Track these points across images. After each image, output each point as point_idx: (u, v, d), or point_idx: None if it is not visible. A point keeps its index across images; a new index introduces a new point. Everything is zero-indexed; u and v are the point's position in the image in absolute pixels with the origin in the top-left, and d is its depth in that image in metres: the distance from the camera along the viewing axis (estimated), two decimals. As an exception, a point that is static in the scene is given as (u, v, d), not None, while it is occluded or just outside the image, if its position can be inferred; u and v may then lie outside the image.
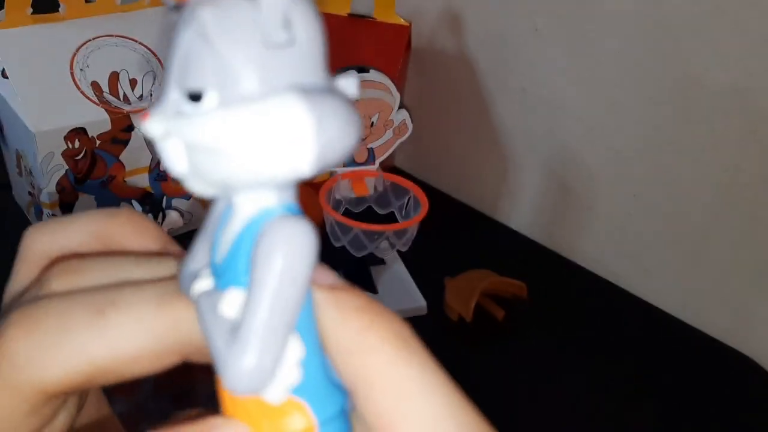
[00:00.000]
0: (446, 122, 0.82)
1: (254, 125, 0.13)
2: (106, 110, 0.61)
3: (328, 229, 0.60)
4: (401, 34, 0.74)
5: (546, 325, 0.65)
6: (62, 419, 0.18)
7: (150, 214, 0.68)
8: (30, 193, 0.65)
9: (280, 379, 0.15)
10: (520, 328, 0.64)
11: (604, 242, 0.72)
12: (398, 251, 0.63)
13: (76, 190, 0.63)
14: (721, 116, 0.60)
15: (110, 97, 0.61)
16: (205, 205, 0.70)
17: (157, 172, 0.66)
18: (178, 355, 0.17)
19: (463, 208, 0.82)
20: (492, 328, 0.64)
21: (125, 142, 0.63)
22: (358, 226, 0.58)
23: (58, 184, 0.61)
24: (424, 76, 0.82)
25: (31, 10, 0.60)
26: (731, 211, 0.62)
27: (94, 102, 0.60)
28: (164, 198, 0.68)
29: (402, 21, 0.74)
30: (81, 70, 0.61)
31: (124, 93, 0.62)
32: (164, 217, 0.69)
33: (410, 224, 0.59)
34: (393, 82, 0.66)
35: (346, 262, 0.63)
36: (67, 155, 0.60)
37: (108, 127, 0.61)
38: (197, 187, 0.15)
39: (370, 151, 0.68)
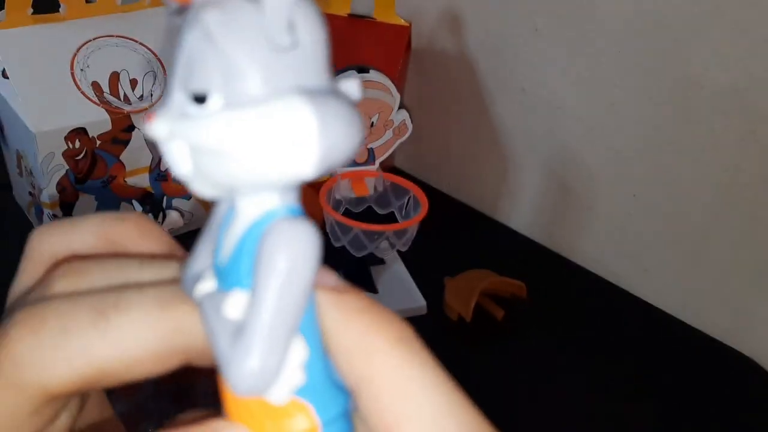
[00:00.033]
0: (446, 122, 0.82)
1: (259, 127, 0.13)
2: (106, 110, 0.61)
3: (328, 229, 0.60)
4: (401, 35, 0.74)
5: (546, 325, 0.65)
6: (64, 420, 0.18)
7: (150, 214, 0.68)
8: (30, 193, 0.65)
9: (283, 381, 0.15)
10: (519, 328, 0.64)
11: (604, 242, 0.72)
12: (398, 251, 0.63)
13: (76, 190, 0.63)
14: (721, 116, 0.60)
15: (111, 98, 0.61)
16: (207, 207, 0.70)
17: (158, 172, 0.66)
18: (181, 358, 0.17)
19: (463, 208, 0.82)
20: (492, 328, 0.64)
21: (126, 143, 0.63)
22: (358, 226, 0.58)
23: (58, 184, 0.61)
24: (424, 76, 0.82)
25: (32, 10, 0.60)
26: (731, 211, 0.62)
27: (94, 102, 0.61)
28: (164, 198, 0.68)
29: (402, 21, 0.74)
30: (81, 70, 0.61)
31: (125, 93, 0.62)
32: (164, 217, 0.69)
33: (410, 224, 0.59)
34: (393, 82, 0.66)
35: (346, 262, 0.63)
36: (68, 155, 0.60)
37: (108, 127, 0.61)
38: (201, 188, 0.15)
39: (370, 152, 0.68)
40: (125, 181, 0.65)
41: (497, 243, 0.77)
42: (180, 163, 0.14)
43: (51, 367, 0.16)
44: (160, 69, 0.64)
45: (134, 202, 0.66)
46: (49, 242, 0.19)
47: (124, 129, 0.62)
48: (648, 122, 0.65)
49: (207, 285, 0.15)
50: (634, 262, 0.70)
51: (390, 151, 0.69)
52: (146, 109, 0.62)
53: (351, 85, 0.15)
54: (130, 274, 0.18)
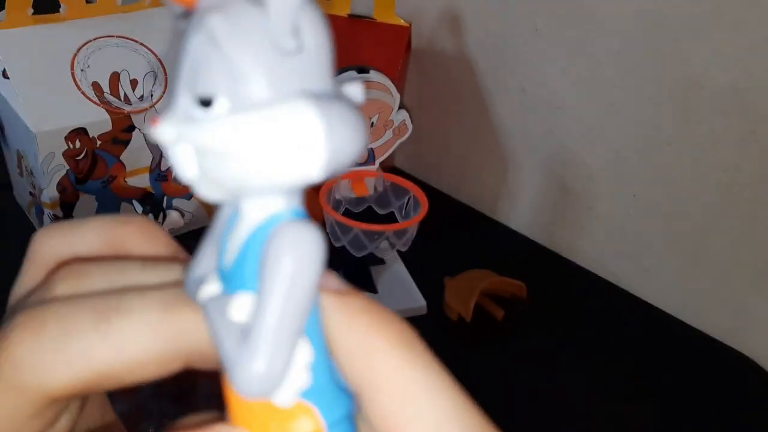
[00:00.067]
0: (446, 122, 0.82)
1: (265, 131, 0.13)
2: (106, 110, 0.61)
3: (328, 229, 0.60)
4: (401, 35, 0.74)
5: (546, 325, 0.65)
6: (64, 422, 0.18)
7: (150, 214, 0.68)
8: (31, 193, 0.65)
9: (289, 383, 0.15)
10: (519, 328, 0.64)
11: (603, 242, 0.72)
12: (398, 251, 0.63)
13: (77, 191, 0.63)
14: (721, 116, 0.60)
15: (111, 98, 0.61)
16: (208, 208, 0.70)
17: (158, 173, 0.66)
18: (182, 362, 0.17)
19: (463, 208, 0.82)
20: (492, 328, 0.64)
21: (126, 143, 0.63)
22: (358, 226, 0.58)
23: (59, 184, 0.61)
24: (424, 76, 0.82)
25: (32, 10, 0.60)
26: (731, 211, 0.62)
27: (94, 102, 0.61)
28: (165, 198, 0.68)
29: (402, 21, 0.74)
30: (82, 70, 0.61)
31: (125, 93, 0.62)
32: (165, 217, 0.69)
33: (410, 224, 0.59)
34: (393, 82, 0.66)
35: (346, 262, 0.63)
36: (68, 155, 0.60)
37: (109, 127, 0.61)
38: (206, 192, 0.15)
39: (370, 152, 0.68)
40: (125, 181, 0.65)
41: (497, 243, 0.77)
42: (186, 167, 0.15)
43: (51, 369, 0.16)
44: (161, 69, 0.64)
45: (134, 202, 0.66)
46: (51, 244, 0.19)
47: (124, 129, 0.62)
48: (648, 122, 0.65)
49: (211, 288, 0.16)
50: (634, 262, 0.70)
51: (390, 151, 0.69)
52: (146, 109, 0.62)
53: (354, 89, 0.15)
54: (132, 276, 0.18)
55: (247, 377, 0.14)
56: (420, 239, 0.60)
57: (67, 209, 0.63)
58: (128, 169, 0.64)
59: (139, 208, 0.67)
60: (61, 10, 0.62)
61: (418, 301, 0.64)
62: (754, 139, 0.59)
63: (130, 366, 0.16)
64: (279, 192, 0.15)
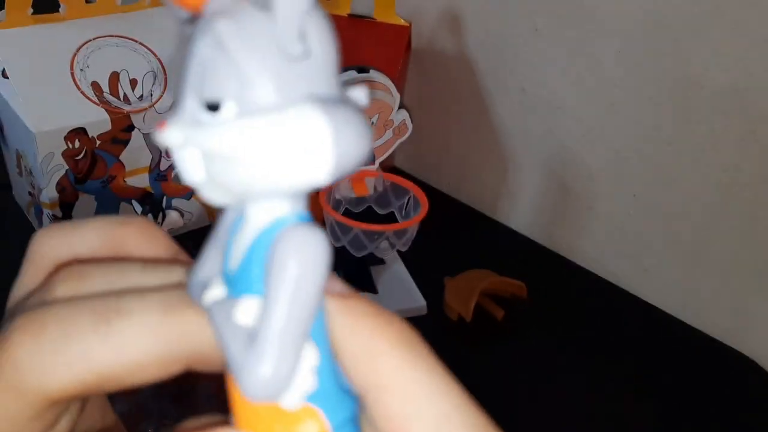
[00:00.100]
0: (446, 122, 0.82)
1: (274, 135, 0.14)
2: (106, 110, 0.61)
3: (328, 229, 0.60)
4: (401, 35, 0.74)
5: (546, 325, 0.65)
6: (65, 424, 0.18)
7: (150, 214, 0.68)
8: (30, 193, 0.65)
9: (296, 386, 0.15)
10: (519, 328, 0.64)
11: (603, 242, 0.72)
12: (398, 251, 0.63)
13: (76, 190, 0.63)
14: (721, 116, 0.60)
15: (110, 98, 0.61)
16: (208, 208, 0.70)
17: (158, 172, 0.66)
18: (183, 364, 0.17)
19: (463, 208, 0.82)
20: (492, 328, 0.64)
21: (125, 142, 0.63)
22: (358, 226, 0.58)
23: (58, 184, 0.61)
24: (424, 76, 0.82)
25: (32, 10, 0.60)
26: (731, 211, 0.62)
27: (94, 102, 0.61)
28: (164, 198, 0.68)
29: (402, 21, 0.74)
30: (81, 70, 0.61)
31: (125, 93, 0.62)
32: (164, 217, 0.69)
33: (410, 224, 0.59)
34: (393, 82, 0.66)
35: (346, 262, 0.63)
36: (68, 155, 0.60)
37: (108, 127, 0.61)
38: (213, 195, 0.15)
39: (370, 151, 0.68)
40: (125, 181, 0.65)
41: (497, 243, 0.77)
42: (192, 171, 0.15)
43: (51, 372, 0.16)
44: (160, 69, 0.64)
45: (134, 202, 0.66)
46: (51, 245, 0.19)
47: (123, 129, 0.62)
48: (648, 122, 0.65)
49: (216, 292, 0.16)
50: (634, 262, 0.70)
51: (390, 151, 0.69)
52: (146, 109, 0.62)
53: (359, 93, 0.15)
54: (132, 278, 0.18)
55: (254, 381, 0.14)
56: (420, 239, 0.60)
57: (66, 209, 0.63)
58: (128, 169, 0.64)
59: (138, 208, 0.67)
60: (60, 9, 0.62)
61: (418, 301, 0.64)
62: (754, 139, 0.59)
63: (130, 368, 0.16)
64: (284, 196, 0.15)
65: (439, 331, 0.63)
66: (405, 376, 0.15)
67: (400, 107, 0.67)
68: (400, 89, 0.67)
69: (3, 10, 0.59)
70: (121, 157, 0.63)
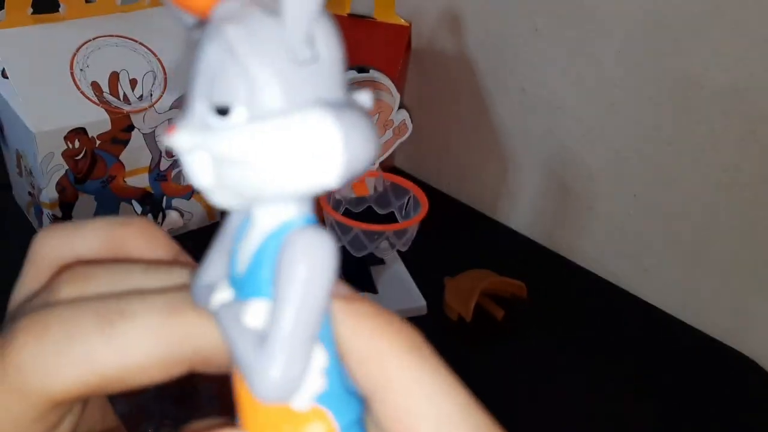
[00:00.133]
0: (446, 122, 0.82)
1: (284, 139, 0.14)
2: (106, 110, 0.61)
3: (327, 229, 0.60)
4: (401, 34, 0.74)
5: (546, 325, 0.65)
6: (67, 425, 0.18)
7: (150, 214, 0.68)
8: (30, 193, 0.65)
9: (305, 388, 0.15)
10: (519, 328, 0.64)
11: (604, 242, 0.72)
12: (398, 251, 0.63)
13: (76, 190, 0.63)
14: (721, 116, 0.60)
15: (110, 97, 0.61)
16: (207, 208, 0.70)
17: (157, 172, 0.66)
18: (186, 365, 0.17)
19: (463, 208, 0.82)
20: (492, 328, 0.64)
21: (125, 142, 0.63)
22: (358, 226, 0.58)
23: (58, 184, 0.61)
24: (424, 76, 0.82)
25: (32, 10, 0.60)
26: (731, 211, 0.62)
27: (94, 102, 0.60)
28: (164, 198, 0.68)
29: (402, 21, 0.74)
30: (81, 70, 0.61)
31: (124, 93, 0.62)
32: (164, 217, 0.69)
33: (410, 224, 0.59)
34: (393, 82, 0.66)
35: (346, 262, 0.63)
36: (67, 155, 0.60)
37: (108, 127, 0.61)
38: (221, 199, 0.15)
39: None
40: (125, 181, 0.65)
41: (497, 243, 0.77)
42: (201, 175, 0.15)
43: (55, 373, 0.16)
44: (160, 69, 0.64)
45: (134, 202, 0.66)
46: (52, 246, 0.19)
47: (123, 129, 0.62)
48: (648, 122, 0.65)
49: (223, 295, 0.16)
50: (634, 262, 0.70)
51: (390, 151, 0.69)
52: (146, 109, 0.62)
53: (364, 97, 0.15)
54: (135, 280, 0.18)
55: (266, 383, 0.14)
56: (420, 239, 0.60)
57: (66, 209, 0.63)
58: (127, 168, 0.64)
59: (138, 208, 0.67)
60: (60, 9, 0.62)
61: (418, 301, 0.64)
62: (754, 139, 0.59)
63: (133, 370, 0.16)
64: (292, 199, 0.15)
65: (439, 331, 0.63)
66: (411, 377, 0.15)
67: (400, 107, 0.67)
68: (400, 89, 0.67)
69: (3, 10, 0.59)
70: (121, 157, 0.63)
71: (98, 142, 0.61)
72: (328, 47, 0.14)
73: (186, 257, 0.20)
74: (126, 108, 0.62)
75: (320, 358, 0.15)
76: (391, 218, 0.64)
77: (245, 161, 0.14)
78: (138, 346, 0.16)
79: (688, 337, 0.66)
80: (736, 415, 0.59)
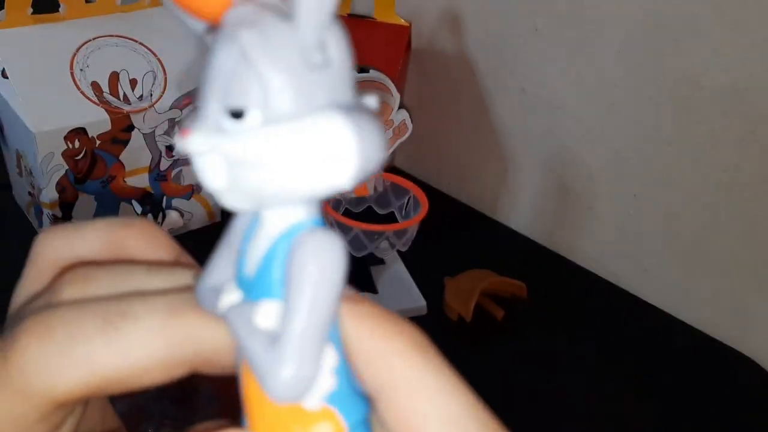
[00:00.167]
0: (446, 122, 0.82)
1: (300, 142, 0.14)
2: (106, 110, 0.61)
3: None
4: (401, 34, 0.74)
5: (546, 325, 0.65)
6: (68, 425, 0.18)
7: (150, 214, 0.68)
8: (30, 193, 0.65)
9: (317, 387, 0.15)
10: (519, 328, 0.64)
11: (604, 242, 0.72)
12: (398, 251, 0.63)
13: (76, 190, 0.63)
14: (721, 116, 0.60)
15: (110, 97, 0.61)
16: (207, 208, 0.70)
17: (157, 172, 0.66)
18: (188, 367, 0.17)
19: (463, 208, 0.82)
20: (492, 328, 0.64)
21: (125, 142, 0.63)
22: (358, 226, 0.58)
23: (58, 184, 0.61)
24: (424, 76, 0.82)
25: (32, 10, 0.60)
26: (731, 211, 0.62)
27: (94, 102, 0.60)
28: (164, 198, 0.68)
29: (402, 21, 0.74)
30: (81, 70, 0.61)
31: (124, 93, 0.62)
32: (164, 217, 0.69)
33: (410, 224, 0.59)
34: (393, 82, 0.66)
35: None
36: (67, 155, 0.60)
37: (108, 127, 0.61)
38: (233, 201, 0.15)
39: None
40: (125, 181, 0.65)
41: (497, 243, 0.77)
42: (214, 177, 0.15)
43: (57, 375, 0.16)
44: (160, 69, 0.64)
45: (134, 202, 0.66)
46: (53, 247, 0.19)
47: (123, 129, 0.62)
48: (648, 122, 0.65)
49: (231, 297, 0.16)
50: (634, 262, 0.70)
51: (390, 151, 0.69)
52: (146, 109, 0.62)
53: (370, 100, 0.15)
54: (137, 281, 0.18)
55: (279, 382, 0.14)
56: (420, 239, 0.60)
57: (66, 209, 0.63)
58: (127, 169, 0.64)
59: (138, 208, 0.67)
60: (60, 9, 0.62)
61: (418, 301, 0.64)
62: (754, 139, 0.59)
63: (135, 371, 0.16)
64: (302, 201, 0.15)
65: (439, 331, 0.62)
66: (416, 377, 0.15)
67: (400, 107, 0.67)
68: (400, 89, 0.67)
69: (3, 10, 0.59)
70: (121, 157, 0.63)
71: (98, 142, 0.61)
72: (339, 52, 0.15)
73: (187, 258, 0.20)
74: (126, 108, 0.62)
75: (331, 357, 0.15)
76: (391, 218, 0.64)
77: (260, 164, 0.14)
78: (140, 347, 0.16)
79: (688, 337, 0.66)
80: (736, 415, 0.59)
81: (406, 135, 0.68)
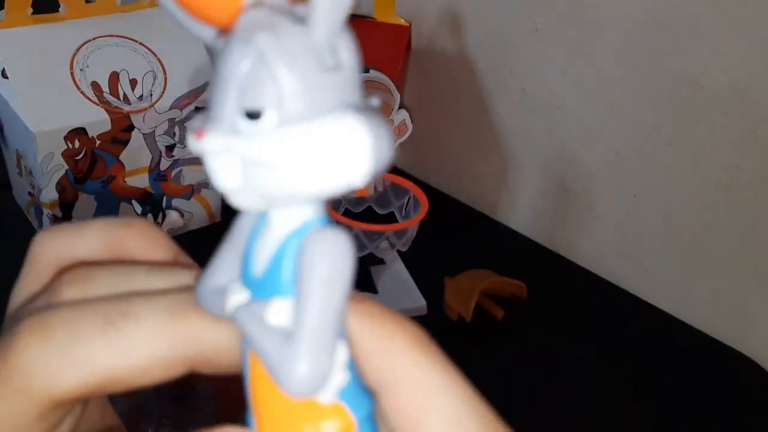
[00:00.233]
0: (446, 122, 0.82)
1: (316, 142, 0.14)
2: (106, 110, 0.61)
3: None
4: (401, 34, 0.74)
5: (546, 325, 0.65)
6: (67, 425, 0.18)
7: (150, 214, 0.68)
8: (30, 193, 0.65)
9: (330, 382, 0.15)
10: (519, 328, 0.64)
11: (604, 242, 0.72)
12: (398, 251, 0.63)
13: (76, 190, 0.63)
14: (721, 116, 0.60)
15: (110, 97, 0.61)
16: (207, 208, 0.70)
17: (157, 172, 0.66)
18: (188, 366, 0.17)
19: (463, 208, 0.82)
20: (492, 328, 0.64)
21: (125, 142, 0.63)
22: (358, 226, 0.58)
23: (58, 184, 0.61)
24: (424, 76, 0.82)
25: (32, 10, 0.60)
26: (731, 211, 0.62)
27: (94, 102, 0.60)
28: (164, 198, 0.68)
29: (402, 21, 0.74)
30: (81, 70, 0.61)
31: (124, 93, 0.62)
32: (164, 217, 0.69)
33: (410, 224, 0.59)
34: (393, 82, 0.66)
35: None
36: (67, 155, 0.60)
37: (108, 127, 0.61)
38: (246, 201, 0.15)
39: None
40: (125, 181, 0.65)
41: (497, 243, 0.77)
42: (228, 177, 0.15)
43: (57, 374, 0.16)
44: (160, 69, 0.64)
45: (134, 202, 0.66)
46: (52, 247, 0.19)
47: (123, 129, 0.62)
48: (648, 122, 0.65)
49: (239, 297, 0.16)
50: (634, 262, 0.70)
51: (390, 151, 0.69)
52: (146, 109, 0.62)
53: (374, 101, 0.16)
54: (137, 281, 0.18)
55: (295, 378, 0.15)
56: (420, 239, 0.60)
57: (66, 209, 0.63)
58: (127, 169, 0.64)
59: (138, 208, 0.67)
60: (60, 9, 0.62)
61: (418, 301, 0.64)
62: (754, 139, 0.59)
63: (135, 371, 0.16)
64: (312, 200, 0.16)
65: (439, 331, 0.62)
66: (420, 372, 0.16)
67: (400, 107, 0.67)
68: (400, 89, 0.67)
69: (3, 10, 0.59)
70: (121, 157, 0.63)
71: (98, 142, 0.61)
72: (349, 55, 0.15)
73: (186, 258, 0.20)
74: (126, 108, 0.62)
75: (342, 352, 0.16)
76: (391, 218, 0.64)
77: (276, 164, 0.14)
78: (140, 347, 0.16)
79: (688, 337, 0.66)
80: (736, 415, 0.59)
81: (406, 135, 0.68)
